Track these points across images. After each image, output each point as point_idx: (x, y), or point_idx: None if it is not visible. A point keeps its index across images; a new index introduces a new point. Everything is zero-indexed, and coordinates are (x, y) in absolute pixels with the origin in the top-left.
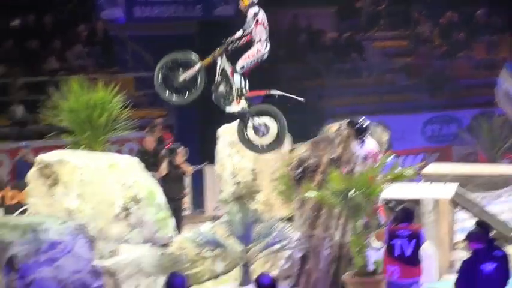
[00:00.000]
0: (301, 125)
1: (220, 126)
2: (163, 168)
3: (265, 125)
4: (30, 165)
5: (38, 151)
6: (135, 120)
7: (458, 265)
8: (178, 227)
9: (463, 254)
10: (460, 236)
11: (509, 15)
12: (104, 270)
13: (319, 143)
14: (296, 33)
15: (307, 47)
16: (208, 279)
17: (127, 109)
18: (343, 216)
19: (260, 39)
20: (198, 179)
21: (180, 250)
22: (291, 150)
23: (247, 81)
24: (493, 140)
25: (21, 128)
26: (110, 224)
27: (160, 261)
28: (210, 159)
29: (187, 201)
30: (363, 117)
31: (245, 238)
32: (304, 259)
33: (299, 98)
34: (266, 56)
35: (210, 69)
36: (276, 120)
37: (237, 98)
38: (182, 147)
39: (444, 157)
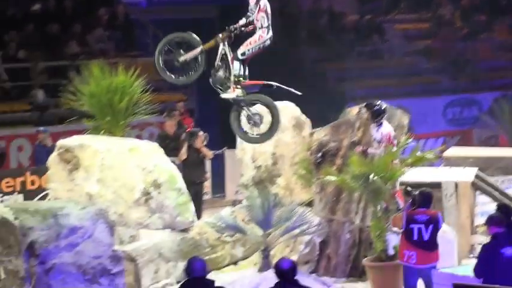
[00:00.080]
0: (322, 108)
1: None
2: (183, 152)
3: (259, 115)
4: (48, 150)
5: (58, 136)
6: (156, 105)
7: (478, 249)
8: (199, 211)
9: (483, 238)
10: (481, 220)
11: None
12: (124, 255)
13: (339, 127)
14: (317, 16)
15: (328, 30)
16: (228, 264)
17: (147, 93)
18: (363, 200)
19: (262, 26)
20: (219, 164)
21: (201, 235)
22: (311, 134)
23: (247, 69)
24: None
25: (42, 112)
26: (130, 209)
27: (180, 246)
28: (230, 144)
29: (207, 186)
30: (380, 101)
31: (265, 223)
32: (324, 244)
33: (296, 92)
34: (268, 42)
35: (212, 52)
36: (270, 111)
37: (233, 85)
38: (202, 131)
39: (465, 140)
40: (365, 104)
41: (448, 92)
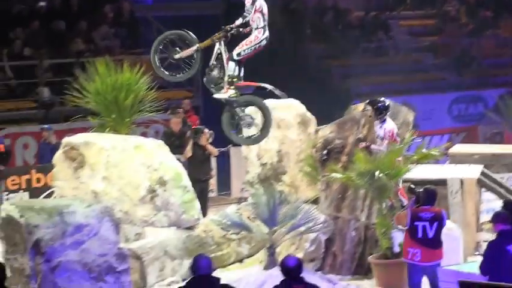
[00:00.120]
0: (327, 105)
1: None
2: (188, 149)
3: (251, 117)
4: (52, 148)
5: (63, 134)
6: (161, 102)
7: (484, 246)
8: (204, 209)
9: (488, 235)
10: (486, 217)
11: None
12: (129, 253)
13: (344, 124)
14: (322, 12)
15: (333, 26)
16: (234, 262)
17: (153, 91)
18: (368, 197)
19: (258, 26)
20: (224, 161)
21: (206, 233)
22: (317, 132)
23: (242, 70)
24: None
25: (47, 110)
26: (136, 207)
27: (186, 244)
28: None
29: (213, 183)
30: (383, 98)
31: (271, 220)
32: (329, 241)
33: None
34: (264, 43)
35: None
36: (262, 113)
37: (227, 86)
38: (207, 129)
39: (470, 137)
40: (368, 100)
41: (453, 89)
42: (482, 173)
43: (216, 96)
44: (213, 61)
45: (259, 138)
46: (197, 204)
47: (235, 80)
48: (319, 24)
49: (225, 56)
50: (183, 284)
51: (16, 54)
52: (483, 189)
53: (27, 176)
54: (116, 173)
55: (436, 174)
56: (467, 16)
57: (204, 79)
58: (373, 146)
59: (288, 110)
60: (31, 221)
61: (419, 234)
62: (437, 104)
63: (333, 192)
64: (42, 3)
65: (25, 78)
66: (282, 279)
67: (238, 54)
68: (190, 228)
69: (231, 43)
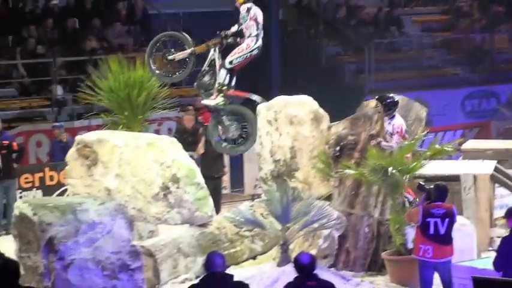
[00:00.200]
0: (340, 101)
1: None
2: (201, 146)
3: (235, 127)
4: (63, 146)
5: (76, 131)
6: (174, 99)
7: (497, 242)
8: (218, 206)
9: (502, 231)
10: (500, 213)
11: None
12: (143, 250)
13: (357, 120)
14: (335, 9)
15: (346, 22)
16: (247, 259)
17: (165, 88)
18: (382, 193)
19: (250, 35)
20: (237, 158)
21: (219, 230)
22: (329, 128)
23: (234, 79)
24: None
25: (61, 108)
26: (149, 204)
27: (199, 241)
28: None
29: (226, 180)
30: (392, 94)
31: (284, 217)
32: (343, 238)
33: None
34: (256, 52)
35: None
36: (249, 125)
37: (216, 93)
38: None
39: (483, 133)
40: (377, 96)
41: (466, 85)
42: (496, 169)
43: (204, 102)
44: (205, 67)
45: (241, 149)
46: (210, 201)
47: (224, 88)
48: (332, 20)
49: (218, 63)
50: (196, 281)
51: (29, 52)
52: (496, 185)
53: (40, 174)
54: (129, 171)
55: (449, 170)
56: (479, 12)
57: (195, 83)
58: (383, 143)
59: (300, 106)
60: (44, 219)
61: (431, 231)
62: (450, 99)
63: (346, 188)
64: (55, 1)
65: (38, 76)
66: (295, 276)
67: (230, 62)
68: (203, 225)
69: (227, 50)
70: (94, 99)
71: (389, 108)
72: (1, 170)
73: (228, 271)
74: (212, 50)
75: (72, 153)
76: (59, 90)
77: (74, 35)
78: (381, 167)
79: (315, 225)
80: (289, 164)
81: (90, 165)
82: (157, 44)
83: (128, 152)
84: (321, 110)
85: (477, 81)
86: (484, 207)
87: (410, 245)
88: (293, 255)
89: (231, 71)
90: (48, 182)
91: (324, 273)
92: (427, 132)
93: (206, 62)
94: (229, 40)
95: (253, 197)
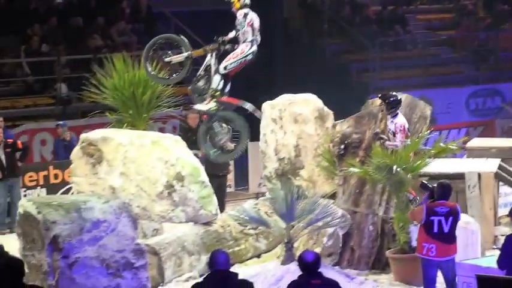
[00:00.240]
0: (344, 99)
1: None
2: None
3: (226, 134)
4: (66, 145)
5: (81, 129)
6: (179, 98)
7: (501, 240)
8: (222, 204)
9: (506, 229)
10: (504, 211)
11: None
12: (147, 248)
13: (362, 118)
14: (339, 7)
15: (350, 21)
16: (252, 257)
17: (170, 86)
18: (386, 192)
19: (245, 40)
20: (241, 156)
21: (224, 228)
22: (334, 126)
23: (228, 85)
24: None
25: (65, 106)
26: (154, 202)
27: (203, 239)
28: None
29: (230, 178)
30: (395, 92)
31: (288, 215)
32: (347, 236)
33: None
34: (250, 57)
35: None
36: (240, 132)
37: (209, 98)
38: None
39: (488, 131)
40: (380, 95)
41: (471, 83)
42: (500, 167)
43: (196, 106)
44: (201, 71)
45: (230, 156)
46: (215, 200)
47: (217, 93)
48: (337, 19)
49: (213, 68)
50: (200, 279)
51: (34, 50)
52: (501, 183)
53: (44, 172)
54: (133, 169)
55: (454, 168)
56: (484, 10)
57: (189, 87)
58: (387, 143)
59: (305, 104)
60: (49, 217)
61: (435, 229)
62: (454, 98)
63: (351, 186)
64: (59, 0)
65: (43, 75)
66: (299, 274)
67: (225, 68)
68: (207, 223)
69: (223, 56)
70: (99, 98)
71: (392, 106)
72: (5, 169)
73: (233, 269)
74: (209, 55)
75: (76, 151)
76: (63, 89)
77: (78, 33)
78: (386, 165)
79: (320, 223)
80: (294, 162)
81: (95, 163)
82: (154, 47)
83: (132, 151)
84: (326, 108)
85: (481, 79)
86: (489, 205)
87: (414, 243)
88: (297, 253)
89: (225, 78)
90: (52, 181)
91: (328, 271)
92: (432, 131)
93: (202, 67)
94: (227, 46)
95: (257, 195)
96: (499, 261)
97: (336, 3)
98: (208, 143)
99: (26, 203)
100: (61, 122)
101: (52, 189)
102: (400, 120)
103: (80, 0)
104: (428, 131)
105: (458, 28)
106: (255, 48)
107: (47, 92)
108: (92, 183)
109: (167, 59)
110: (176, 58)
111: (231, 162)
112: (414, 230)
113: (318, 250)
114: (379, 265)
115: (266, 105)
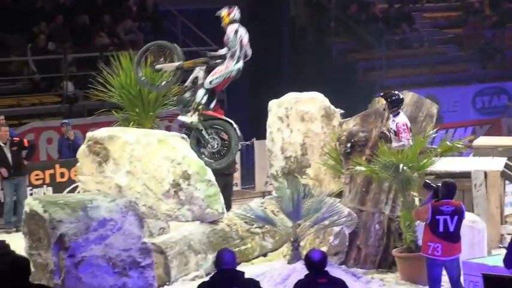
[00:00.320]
0: (351, 98)
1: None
2: None
3: (216, 142)
4: (69, 143)
5: (87, 128)
6: None
7: (508, 239)
8: (228, 202)
9: None
10: (510, 210)
11: None
12: (153, 247)
13: (368, 117)
14: (346, 5)
15: (357, 19)
16: (258, 256)
17: (177, 84)
18: (392, 190)
19: (232, 56)
20: (248, 155)
21: (230, 227)
22: (341, 124)
23: (214, 101)
24: None
25: (71, 104)
26: (160, 201)
27: (210, 238)
28: (259, 134)
29: (237, 177)
30: (397, 91)
31: (295, 214)
32: (353, 235)
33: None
34: (235, 73)
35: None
36: (229, 140)
37: (192, 111)
38: None
39: (494, 129)
40: (382, 93)
41: (477, 81)
42: (506, 166)
43: (179, 117)
44: (188, 83)
45: (221, 162)
46: (221, 198)
47: (201, 107)
48: (343, 17)
49: (199, 82)
50: (207, 278)
51: (40, 48)
52: (507, 182)
53: (50, 171)
54: (139, 167)
55: (460, 166)
56: (490, 8)
57: (175, 98)
58: (394, 144)
59: (311, 103)
60: (55, 216)
61: (441, 228)
62: (461, 96)
63: (357, 185)
64: None
65: (49, 73)
66: (306, 273)
67: (210, 83)
68: (214, 222)
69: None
70: (105, 96)
71: (393, 105)
72: (11, 167)
73: (239, 268)
74: (198, 68)
75: (83, 149)
76: (69, 87)
77: (85, 31)
78: (392, 163)
79: (326, 222)
80: (300, 161)
81: (101, 162)
82: (147, 53)
83: (138, 149)
84: (332, 107)
85: (488, 77)
86: (495, 204)
87: (421, 242)
88: (304, 252)
89: (211, 92)
90: (58, 179)
91: (334, 270)
92: (438, 129)
93: (189, 79)
94: (218, 61)
95: (264, 194)
96: (505, 260)
97: (342, 1)
98: (199, 148)
99: (32, 202)
100: (65, 121)
101: (58, 187)
102: (402, 119)
103: None
104: (435, 130)
105: (464, 26)
106: (240, 64)
107: (53, 90)
108: (98, 181)
109: (158, 66)
110: (167, 67)
111: (238, 161)
112: (420, 229)
113: (324, 249)
114: (385, 264)
115: (272, 104)
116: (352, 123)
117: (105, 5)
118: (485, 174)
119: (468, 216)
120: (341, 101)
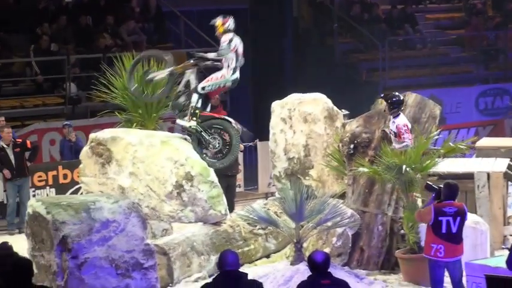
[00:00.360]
0: (354, 99)
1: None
2: None
3: (218, 142)
4: (71, 145)
5: (90, 129)
6: None
7: (511, 240)
8: (231, 204)
9: None
10: None
11: None
12: (156, 249)
13: (371, 118)
14: (349, 6)
15: (360, 20)
16: (261, 257)
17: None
18: (395, 192)
19: (228, 66)
20: (251, 156)
21: (233, 228)
22: (344, 126)
23: (209, 106)
24: None
25: (74, 105)
26: (163, 202)
27: (212, 240)
28: (263, 136)
29: (240, 178)
30: (397, 92)
31: (298, 215)
32: (356, 236)
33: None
34: (230, 84)
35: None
36: (229, 138)
37: (190, 115)
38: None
39: (497, 130)
40: (382, 95)
41: (480, 82)
42: (509, 167)
43: (178, 122)
44: (181, 87)
45: (224, 161)
46: (224, 200)
47: (198, 111)
48: (346, 18)
49: (192, 86)
50: (210, 279)
51: (43, 49)
52: (510, 183)
53: (53, 172)
54: (142, 169)
55: (463, 168)
56: (493, 9)
57: (169, 104)
58: (397, 146)
59: (314, 104)
60: (58, 217)
61: (444, 230)
62: (464, 97)
63: (360, 186)
64: None
65: (52, 74)
66: (309, 274)
67: (203, 88)
68: (217, 223)
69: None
70: (108, 97)
71: (393, 106)
72: (14, 169)
73: (242, 269)
74: (189, 71)
75: (86, 151)
76: (72, 88)
77: (88, 32)
78: (395, 164)
79: (329, 223)
80: (303, 162)
81: (104, 163)
82: (139, 63)
83: (141, 150)
84: (335, 108)
85: (491, 79)
86: (498, 205)
87: (423, 243)
88: (307, 253)
89: (205, 97)
90: (61, 181)
91: (337, 271)
92: (441, 130)
93: (181, 84)
94: (208, 63)
95: (267, 195)
96: (508, 262)
97: (345, 2)
98: (201, 149)
99: (35, 203)
100: (67, 123)
101: (61, 189)
102: (401, 120)
103: None
104: (438, 131)
105: (467, 27)
106: (237, 75)
107: (56, 92)
108: (101, 183)
109: (149, 77)
110: (158, 76)
111: (241, 162)
112: (423, 230)
113: (327, 250)
114: (388, 265)
115: (275, 105)
116: (355, 125)
117: (108, 6)
118: (488, 175)
119: (471, 217)
120: (344, 102)
